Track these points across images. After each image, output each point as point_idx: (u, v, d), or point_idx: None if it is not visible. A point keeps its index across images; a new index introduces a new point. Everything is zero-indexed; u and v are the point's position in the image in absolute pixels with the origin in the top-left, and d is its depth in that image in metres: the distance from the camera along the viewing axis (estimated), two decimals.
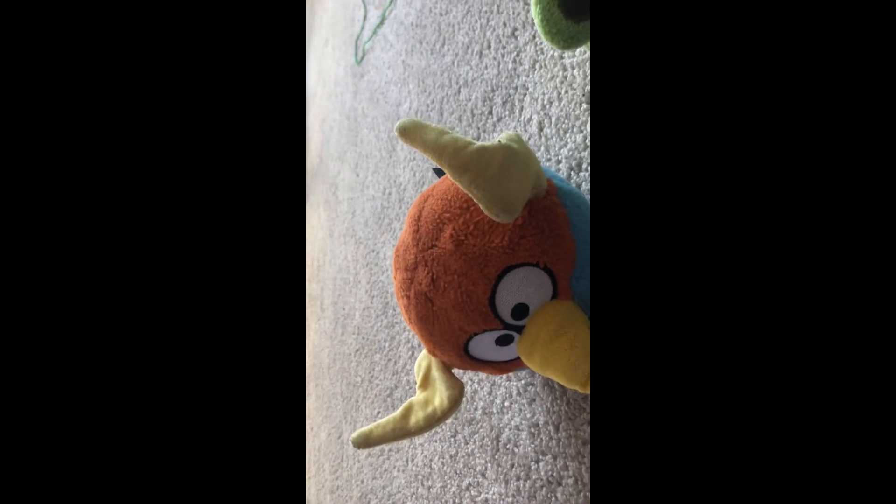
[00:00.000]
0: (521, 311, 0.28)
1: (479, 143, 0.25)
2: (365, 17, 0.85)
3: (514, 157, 0.26)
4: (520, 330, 0.28)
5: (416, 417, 0.31)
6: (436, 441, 0.49)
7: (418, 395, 0.33)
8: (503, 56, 0.44)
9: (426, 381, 0.33)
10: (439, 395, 0.31)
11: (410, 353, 0.57)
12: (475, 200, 0.25)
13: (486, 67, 0.47)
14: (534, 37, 0.41)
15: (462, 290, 0.28)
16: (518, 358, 0.30)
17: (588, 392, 0.26)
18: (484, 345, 0.29)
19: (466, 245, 0.28)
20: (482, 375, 0.43)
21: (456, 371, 0.44)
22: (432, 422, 0.31)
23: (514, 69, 0.43)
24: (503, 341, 0.29)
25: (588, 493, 0.32)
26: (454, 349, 0.30)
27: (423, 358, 0.34)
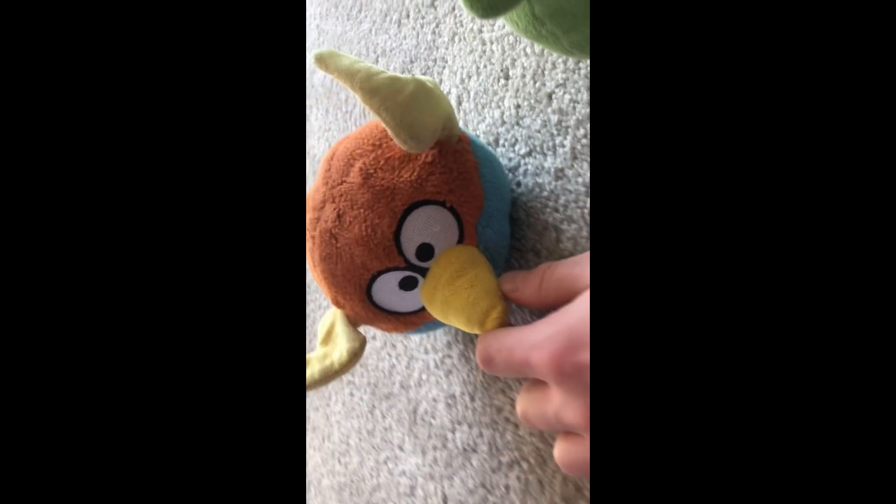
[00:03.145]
0: (426, 251, 0.28)
1: (392, 73, 0.25)
2: None
3: (427, 91, 0.26)
4: (424, 273, 0.29)
5: (312, 370, 0.30)
6: (353, 418, 0.49)
7: (317, 350, 0.32)
8: (422, 26, 0.43)
9: (328, 338, 0.33)
10: (339, 349, 0.31)
11: None
12: (384, 125, 0.25)
13: (404, 37, 0.46)
14: (453, 8, 0.40)
15: (367, 224, 0.28)
16: (422, 309, 0.30)
17: (485, 331, 0.27)
18: (387, 288, 0.29)
19: (375, 178, 0.28)
20: (399, 349, 0.43)
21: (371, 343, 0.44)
22: (328, 374, 0.30)
23: (434, 41, 0.42)
24: (407, 284, 0.29)
25: (500, 459, 0.33)
26: (356, 291, 0.30)
27: (328, 316, 0.34)
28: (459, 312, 0.27)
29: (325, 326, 0.32)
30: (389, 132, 0.25)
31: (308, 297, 0.60)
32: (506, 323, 0.27)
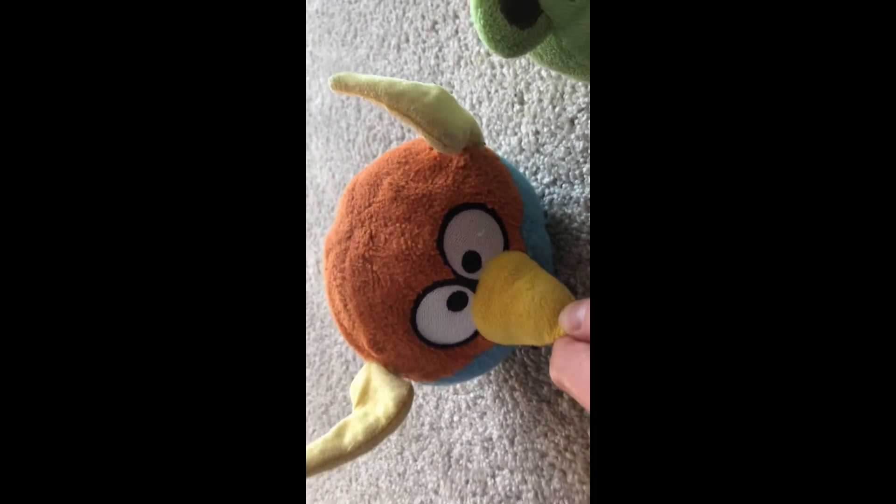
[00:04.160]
0: (472, 261, 0.26)
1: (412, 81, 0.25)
2: None
3: (450, 96, 0.26)
4: (473, 286, 0.26)
5: (354, 432, 0.26)
6: (381, 459, 0.47)
7: (354, 412, 0.28)
8: (424, 51, 0.42)
9: (364, 397, 0.28)
10: (382, 402, 0.26)
11: (345, 367, 0.54)
12: (414, 128, 0.24)
13: (405, 62, 0.44)
14: (456, 31, 0.38)
15: (406, 237, 0.25)
16: (473, 337, 0.27)
17: (559, 335, 0.23)
18: (434, 311, 0.26)
19: (407, 189, 0.26)
20: (426, 388, 0.41)
21: None
22: (375, 433, 0.25)
23: (438, 65, 0.40)
24: (456, 302, 0.26)
25: None
26: (400, 321, 0.26)
27: (360, 374, 0.31)
28: (524, 319, 0.24)
29: (359, 386, 0.28)
30: (421, 132, 0.24)
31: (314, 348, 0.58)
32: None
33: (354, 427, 0.26)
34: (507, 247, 0.26)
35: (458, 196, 0.26)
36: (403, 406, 0.26)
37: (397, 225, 0.26)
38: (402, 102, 0.24)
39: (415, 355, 0.27)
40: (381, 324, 0.27)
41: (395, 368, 0.28)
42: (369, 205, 0.27)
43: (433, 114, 0.24)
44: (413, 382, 0.29)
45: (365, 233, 0.26)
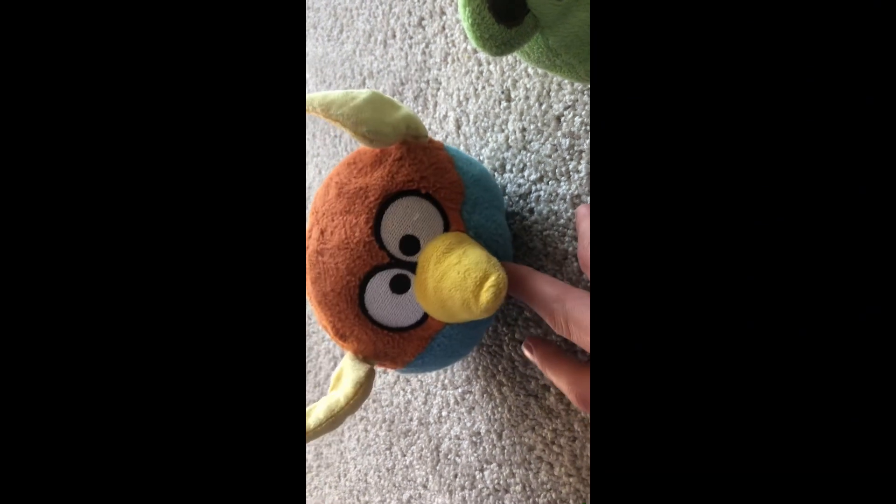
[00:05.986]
0: (411, 244, 0.27)
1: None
2: None
3: (382, 97, 0.27)
4: (414, 268, 0.27)
5: (316, 413, 0.28)
6: (369, 455, 0.47)
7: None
8: (411, 47, 0.42)
9: (336, 383, 0.31)
10: (343, 384, 0.29)
11: (332, 363, 0.54)
12: (344, 129, 0.26)
13: (392, 58, 0.44)
14: (443, 27, 0.38)
15: (346, 228, 0.28)
16: (424, 319, 0.28)
17: (482, 305, 0.24)
18: (380, 295, 0.28)
19: (349, 187, 0.28)
20: (414, 384, 0.41)
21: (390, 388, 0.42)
22: (335, 412, 0.28)
23: (425, 62, 0.40)
24: (399, 286, 0.28)
25: (536, 499, 0.32)
26: (349, 306, 0.28)
27: (340, 364, 0.32)
28: (453, 293, 0.25)
29: (336, 374, 0.30)
30: (349, 132, 0.26)
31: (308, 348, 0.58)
32: (504, 292, 0.24)
33: (318, 409, 0.29)
34: (447, 228, 0.28)
35: (392, 185, 0.28)
36: (360, 387, 0.28)
37: (340, 218, 0.28)
38: (330, 110, 0.26)
39: (372, 340, 0.29)
40: (335, 311, 0.28)
41: (363, 356, 0.30)
42: (323, 205, 0.29)
43: (357, 115, 0.26)
44: (395, 371, 0.30)
45: (318, 230, 0.29)
